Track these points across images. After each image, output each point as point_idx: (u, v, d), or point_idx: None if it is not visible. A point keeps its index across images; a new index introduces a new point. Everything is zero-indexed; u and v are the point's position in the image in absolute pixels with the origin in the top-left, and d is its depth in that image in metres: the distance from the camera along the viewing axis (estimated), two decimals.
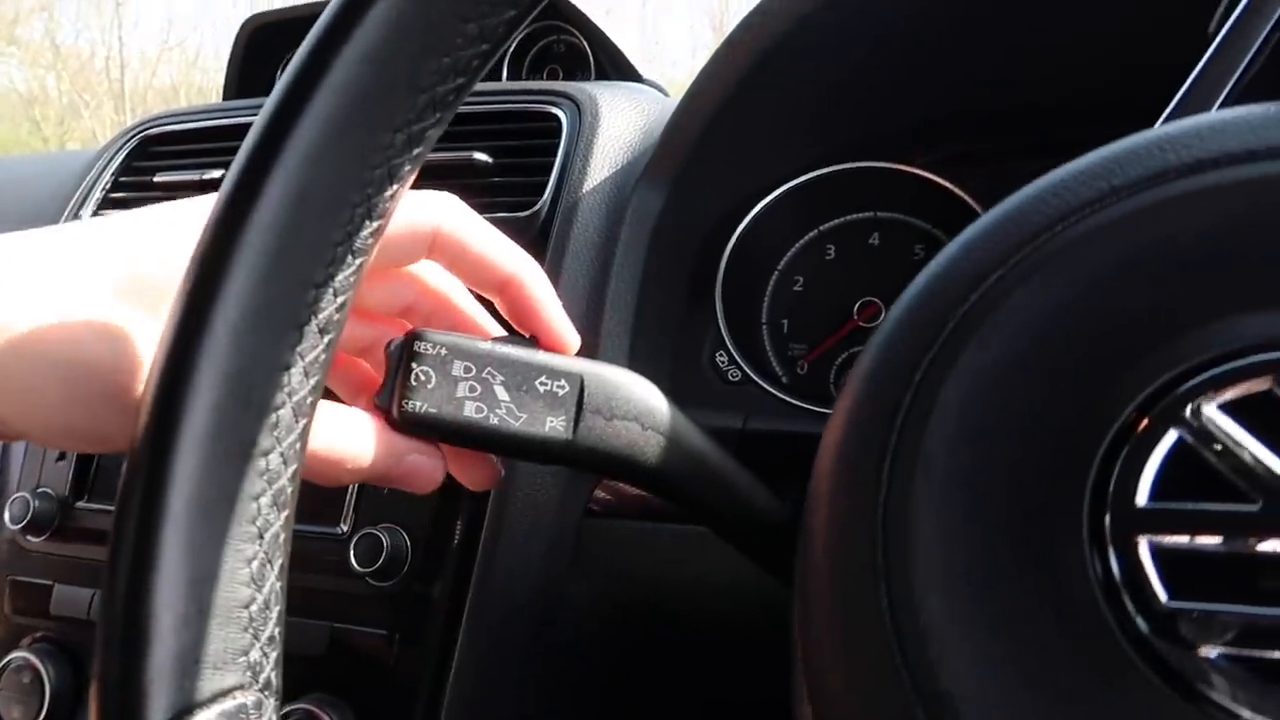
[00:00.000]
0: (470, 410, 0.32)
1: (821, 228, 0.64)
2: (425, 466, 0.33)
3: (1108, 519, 0.23)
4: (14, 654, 0.59)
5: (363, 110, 0.23)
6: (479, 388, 0.32)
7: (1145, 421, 0.23)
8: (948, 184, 0.59)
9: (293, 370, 0.23)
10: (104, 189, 0.73)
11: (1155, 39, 0.48)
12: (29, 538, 0.61)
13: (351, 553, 0.52)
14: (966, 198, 0.59)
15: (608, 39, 0.85)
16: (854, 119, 0.61)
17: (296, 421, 0.23)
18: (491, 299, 0.36)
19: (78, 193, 0.73)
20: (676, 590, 0.55)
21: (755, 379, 0.59)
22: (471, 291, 0.36)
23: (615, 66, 0.85)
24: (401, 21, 0.23)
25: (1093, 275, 0.25)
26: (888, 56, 0.57)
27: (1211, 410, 0.23)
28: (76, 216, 0.72)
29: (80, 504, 0.62)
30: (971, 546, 0.24)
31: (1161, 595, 0.22)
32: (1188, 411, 0.23)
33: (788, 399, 0.58)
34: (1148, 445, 0.23)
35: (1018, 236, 0.25)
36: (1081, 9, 0.53)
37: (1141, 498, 0.23)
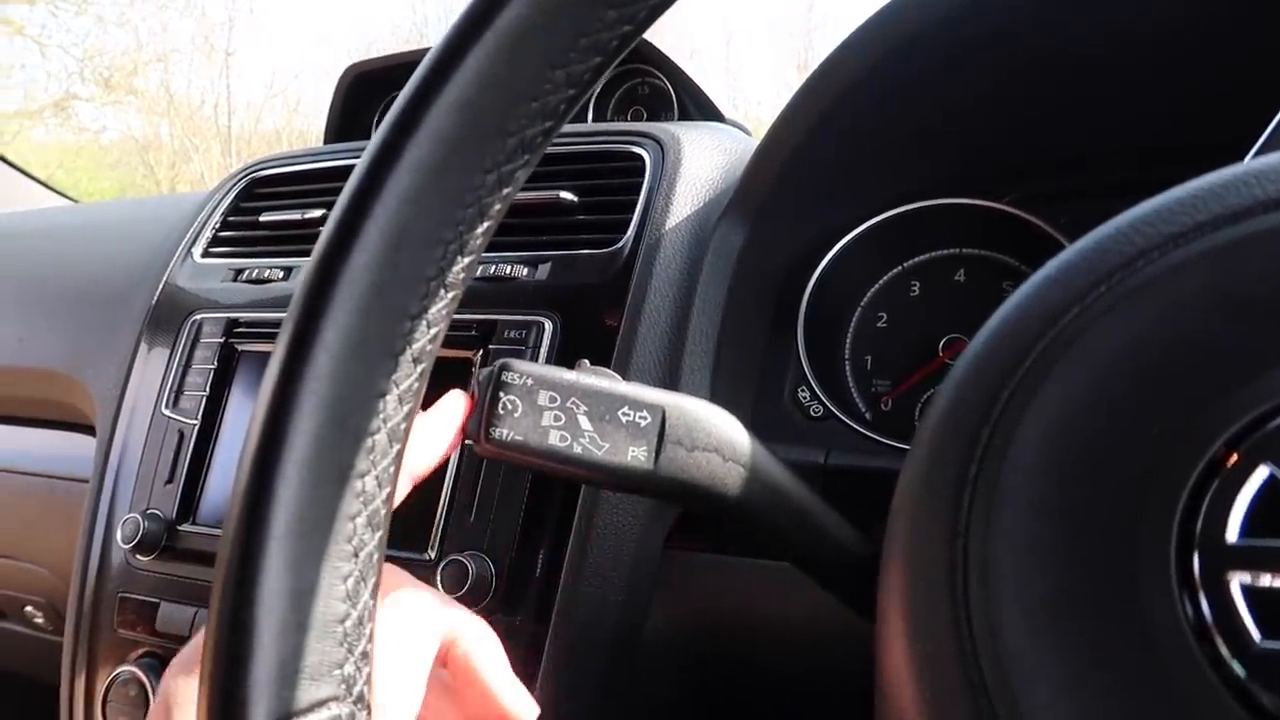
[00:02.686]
0: (555, 439, 0.33)
1: (905, 264, 0.63)
2: None
3: (1196, 556, 0.23)
4: (122, 668, 0.62)
5: (456, 155, 0.24)
6: (563, 417, 0.33)
7: (1234, 457, 0.23)
8: (1036, 220, 0.58)
9: (388, 398, 0.24)
10: (214, 228, 0.77)
11: (1240, 86, 0.46)
12: (138, 557, 0.65)
13: (438, 579, 0.54)
14: (1055, 233, 0.58)
15: (691, 80, 0.86)
16: (936, 159, 0.61)
17: (391, 446, 0.24)
18: None
19: (190, 230, 0.78)
20: (757, 623, 0.55)
21: (838, 414, 0.59)
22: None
23: (699, 107, 0.86)
24: (493, 70, 0.24)
25: (1177, 310, 0.24)
26: (967, 100, 0.57)
27: None
28: (189, 253, 0.76)
29: (185, 526, 0.64)
30: (1052, 579, 0.23)
31: (1255, 636, 0.22)
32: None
33: (871, 435, 0.57)
34: (1237, 481, 0.23)
35: (1098, 271, 0.25)
36: (1166, 58, 0.52)
37: (1232, 534, 0.23)
